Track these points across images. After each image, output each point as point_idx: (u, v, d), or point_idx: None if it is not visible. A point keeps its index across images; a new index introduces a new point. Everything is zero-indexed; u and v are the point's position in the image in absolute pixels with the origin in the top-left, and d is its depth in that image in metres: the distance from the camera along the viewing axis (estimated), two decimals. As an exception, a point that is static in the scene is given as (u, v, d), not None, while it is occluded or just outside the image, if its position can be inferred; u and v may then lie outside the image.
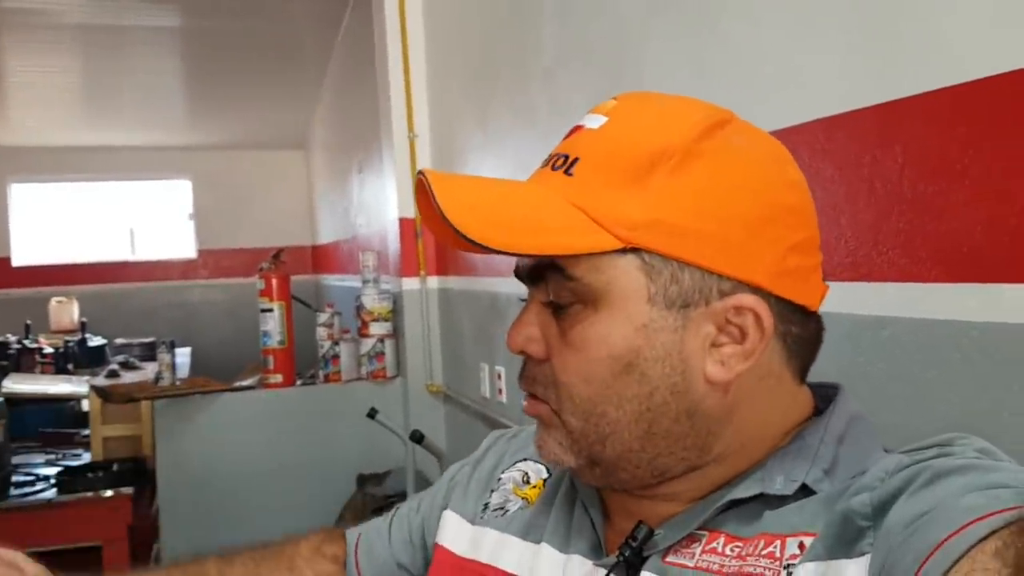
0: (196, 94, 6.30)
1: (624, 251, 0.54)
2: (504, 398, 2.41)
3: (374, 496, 2.65)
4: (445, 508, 0.73)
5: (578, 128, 0.58)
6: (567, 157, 0.57)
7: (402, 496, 2.50)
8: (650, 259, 0.54)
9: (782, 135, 1.18)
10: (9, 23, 4.42)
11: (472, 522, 0.70)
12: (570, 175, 0.55)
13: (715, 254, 0.54)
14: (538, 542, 0.63)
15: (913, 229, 0.99)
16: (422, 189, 0.55)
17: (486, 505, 0.70)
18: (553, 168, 0.57)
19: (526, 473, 0.70)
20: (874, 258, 1.05)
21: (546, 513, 0.65)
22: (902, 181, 1.00)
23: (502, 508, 0.68)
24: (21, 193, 7.41)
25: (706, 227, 0.54)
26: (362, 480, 2.79)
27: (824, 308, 1.11)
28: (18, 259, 7.31)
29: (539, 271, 0.57)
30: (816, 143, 1.14)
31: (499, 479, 0.72)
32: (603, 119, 0.57)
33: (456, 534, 0.70)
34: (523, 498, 0.68)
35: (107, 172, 7.51)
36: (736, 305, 0.54)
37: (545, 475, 0.69)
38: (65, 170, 7.37)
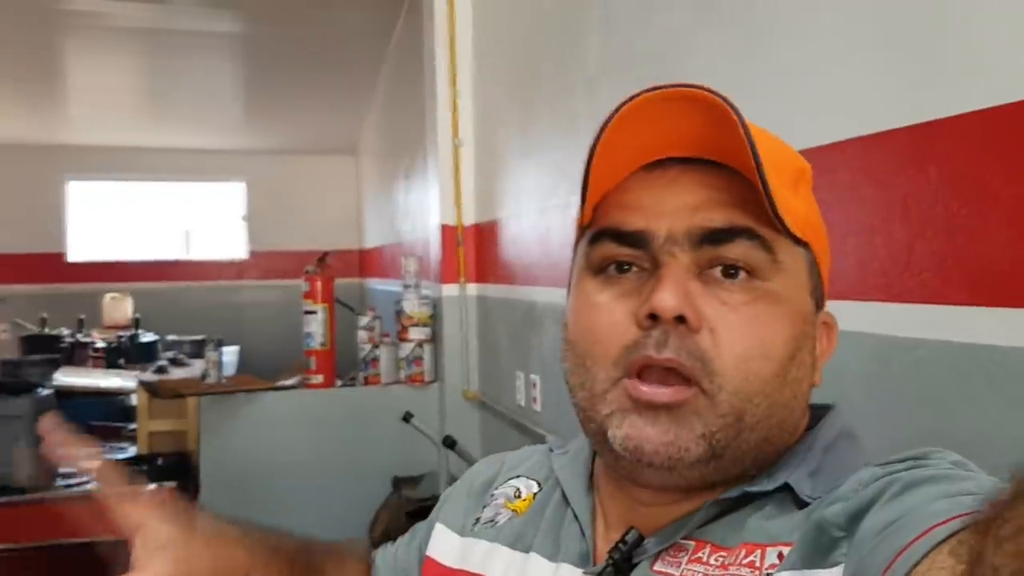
0: (252, 99, 6.45)
1: (799, 243, 0.56)
2: (539, 406, 2.42)
3: (409, 499, 2.68)
4: (436, 522, 0.73)
5: None
6: None
7: (436, 500, 2.52)
8: (812, 257, 0.58)
9: (821, 152, 1.18)
10: (73, 25, 4.58)
11: (461, 534, 0.69)
12: None
13: (827, 271, 0.60)
14: (527, 551, 0.63)
15: (945, 251, 0.98)
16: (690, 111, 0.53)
17: (477, 519, 0.70)
18: None
19: (518, 488, 0.70)
20: (907, 279, 1.05)
21: (536, 523, 0.65)
22: (936, 203, 0.99)
23: (492, 521, 0.68)
24: (79, 190, 7.63)
25: (828, 248, 0.60)
26: (397, 483, 2.82)
27: (855, 327, 1.11)
28: (74, 255, 7.52)
29: (723, 234, 0.53)
30: (854, 162, 1.14)
31: (492, 495, 0.72)
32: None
33: (445, 546, 0.70)
34: (512, 510, 0.68)
35: (164, 173, 7.71)
36: (826, 321, 0.60)
37: (536, 489, 0.69)
38: (123, 169, 7.57)
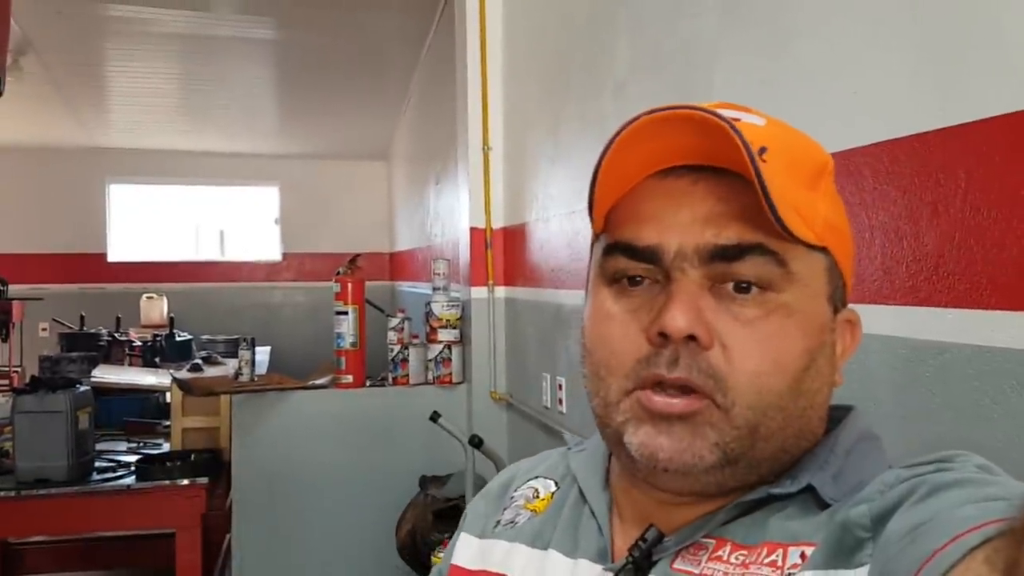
0: (286, 105, 6.53)
1: (817, 248, 0.55)
2: (564, 408, 2.43)
3: (435, 498, 2.70)
4: (460, 532, 0.73)
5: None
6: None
7: (462, 499, 2.55)
8: (831, 260, 0.56)
9: (848, 155, 1.18)
10: (114, 31, 4.68)
11: (482, 537, 0.70)
12: (764, 161, 0.52)
13: (849, 268, 0.58)
14: (546, 548, 0.63)
15: (973, 255, 0.98)
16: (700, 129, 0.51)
17: (497, 521, 0.70)
18: None
19: (536, 489, 0.71)
20: (935, 283, 1.04)
21: (554, 521, 0.65)
22: (965, 206, 0.99)
23: (512, 522, 0.69)
24: (118, 193, 7.79)
25: (851, 243, 0.59)
26: (424, 482, 2.84)
27: (882, 331, 1.11)
28: (113, 255, 7.69)
29: (734, 251, 0.53)
30: (881, 165, 1.14)
31: (511, 497, 0.72)
32: (760, 119, 0.56)
33: (467, 550, 0.70)
34: (531, 510, 0.68)
35: (200, 176, 7.86)
36: (849, 319, 0.59)
37: (553, 489, 0.69)
38: (161, 172, 7.73)
